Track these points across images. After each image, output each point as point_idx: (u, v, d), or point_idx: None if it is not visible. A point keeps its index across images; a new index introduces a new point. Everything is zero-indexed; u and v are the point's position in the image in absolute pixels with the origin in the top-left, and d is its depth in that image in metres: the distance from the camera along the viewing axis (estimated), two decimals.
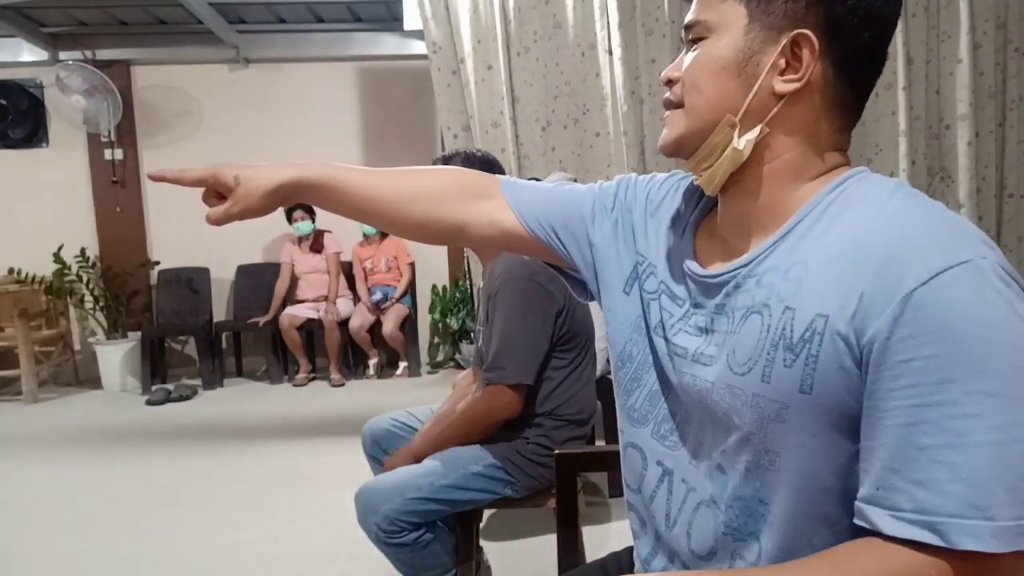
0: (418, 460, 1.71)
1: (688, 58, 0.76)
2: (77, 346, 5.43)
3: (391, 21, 4.96)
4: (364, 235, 5.15)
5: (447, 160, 1.85)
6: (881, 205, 0.68)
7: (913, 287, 0.61)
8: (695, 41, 0.75)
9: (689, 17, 0.76)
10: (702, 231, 0.85)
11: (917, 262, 0.61)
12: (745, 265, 0.75)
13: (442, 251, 5.42)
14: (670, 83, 0.78)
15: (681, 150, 0.77)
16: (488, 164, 1.83)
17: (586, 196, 0.97)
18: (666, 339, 0.84)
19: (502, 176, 1.01)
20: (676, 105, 0.77)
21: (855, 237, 0.67)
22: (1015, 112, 3.52)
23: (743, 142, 0.73)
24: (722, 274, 0.77)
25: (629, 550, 1.03)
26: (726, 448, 0.76)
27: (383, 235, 5.16)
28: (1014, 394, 0.59)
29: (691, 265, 0.82)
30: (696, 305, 0.80)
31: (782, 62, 0.71)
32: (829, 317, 0.65)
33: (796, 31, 0.70)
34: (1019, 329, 0.60)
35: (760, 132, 0.73)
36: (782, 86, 0.71)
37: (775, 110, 0.72)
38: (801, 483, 0.69)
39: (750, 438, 0.72)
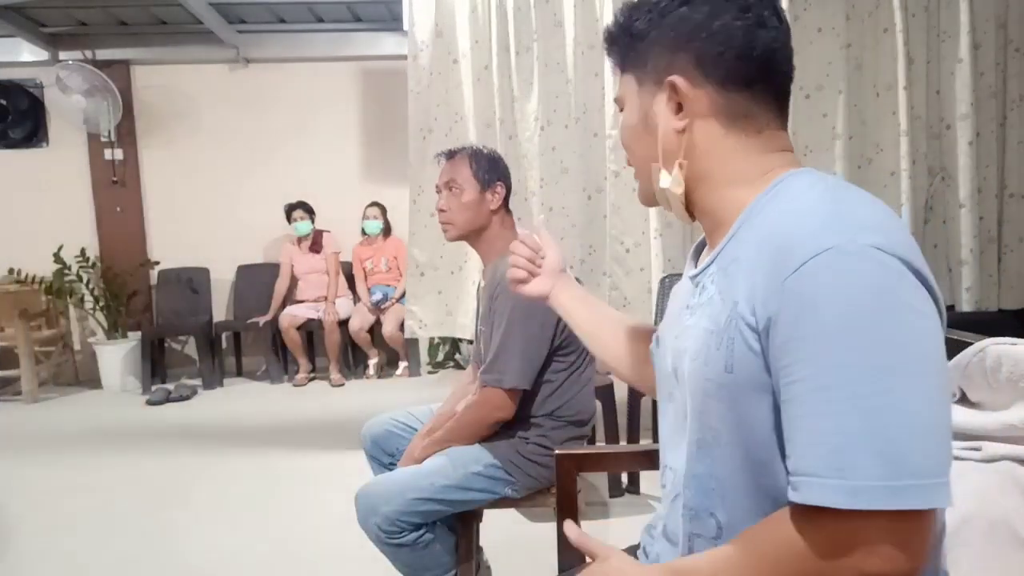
0: (419, 463, 1.71)
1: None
2: (77, 346, 5.43)
3: (391, 21, 4.97)
4: (364, 235, 5.16)
5: (452, 154, 1.82)
6: (797, 198, 0.76)
7: (786, 276, 0.68)
8: (621, 112, 0.91)
9: (615, 95, 0.92)
10: (706, 250, 0.94)
11: (794, 251, 0.69)
12: (707, 267, 0.85)
13: None
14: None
15: (649, 201, 0.92)
16: (495, 162, 1.82)
17: None
18: (671, 342, 0.91)
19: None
20: (631, 166, 0.92)
21: (768, 231, 0.74)
22: (1016, 112, 3.51)
23: (668, 181, 0.84)
24: (696, 273, 0.88)
25: (633, 548, 1.04)
26: (688, 432, 0.83)
27: (383, 235, 5.17)
28: (870, 364, 0.63)
29: (690, 270, 0.93)
30: (688, 307, 0.89)
31: (672, 105, 0.83)
32: (738, 304, 0.74)
33: (666, 79, 0.82)
34: (877, 305, 0.65)
35: (680, 167, 0.83)
36: (677, 123, 0.83)
37: (684, 144, 0.83)
38: (742, 456, 0.76)
39: (699, 417, 0.80)
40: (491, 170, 1.80)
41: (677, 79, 0.81)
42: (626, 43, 0.86)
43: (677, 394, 0.88)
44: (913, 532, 0.64)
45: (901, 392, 0.63)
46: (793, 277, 0.67)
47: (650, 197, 0.90)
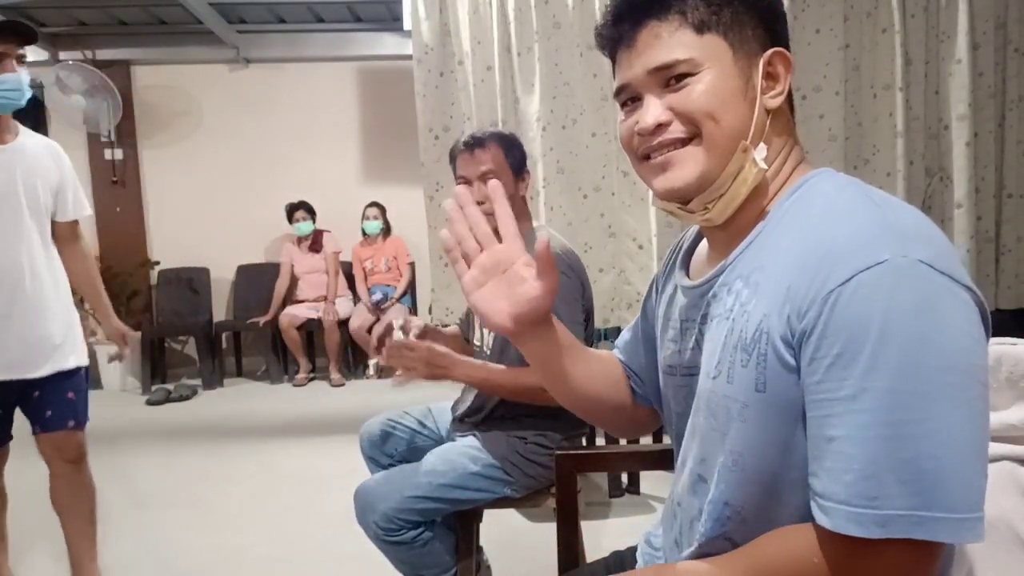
0: (451, 378, 1.63)
1: (679, 96, 0.75)
2: None
3: (391, 21, 4.97)
4: (364, 235, 5.16)
5: (480, 142, 1.69)
6: (828, 206, 0.71)
7: (832, 287, 0.64)
8: (679, 78, 0.75)
9: (663, 59, 0.75)
10: (695, 259, 0.90)
11: (841, 262, 0.64)
12: (719, 274, 0.79)
13: (442, 251, 5.42)
14: (660, 127, 0.76)
15: (702, 187, 0.76)
16: (522, 148, 1.75)
17: (642, 313, 1.04)
18: (672, 367, 0.88)
19: (619, 345, 1.07)
20: (685, 141, 0.76)
21: (801, 239, 0.70)
22: (1014, 112, 3.52)
23: (762, 161, 0.75)
24: (703, 283, 0.81)
25: (632, 549, 1.04)
26: (705, 456, 0.78)
27: (383, 235, 5.17)
28: (909, 390, 0.61)
29: (682, 280, 0.87)
30: (688, 320, 0.84)
31: (763, 81, 0.76)
32: (770, 315, 0.69)
33: (772, 50, 0.76)
34: (924, 329, 0.61)
35: (765, 149, 0.76)
36: (771, 102, 0.76)
37: (767, 125, 0.76)
38: (767, 479, 0.72)
39: (720, 441, 0.75)
40: (521, 158, 1.73)
41: (784, 52, 0.76)
42: (720, 1, 0.75)
43: (684, 422, 0.84)
44: (931, 561, 0.63)
45: (941, 420, 0.61)
46: (841, 289, 0.63)
47: (708, 180, 0.75)
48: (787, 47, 0.78)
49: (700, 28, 0.75)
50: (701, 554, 0.78)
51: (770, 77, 0.76)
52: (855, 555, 0.63)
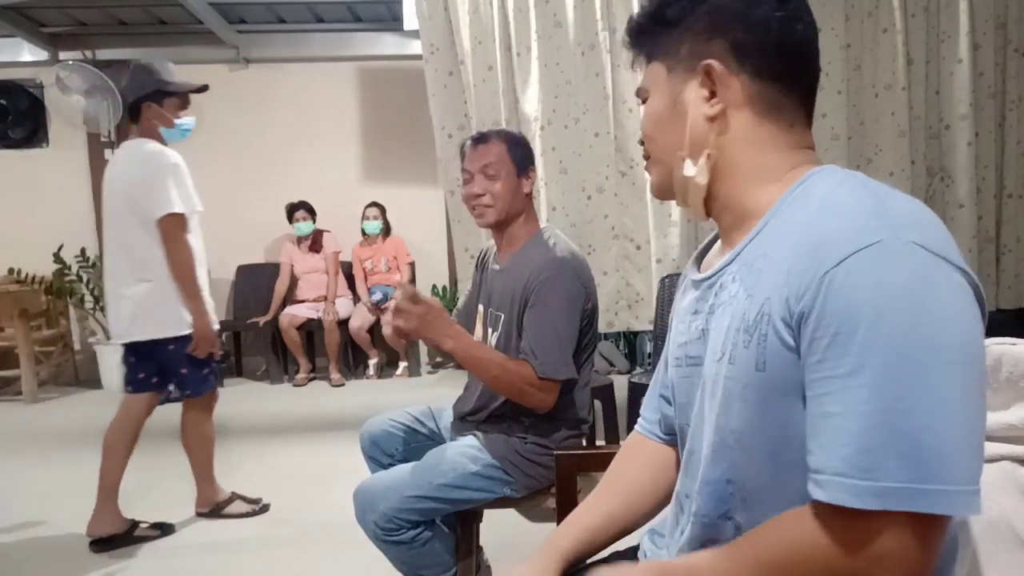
0: (444, 349, 1.58)
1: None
2: (77, 346, 5.43)
3: (391, 21, 4.97)
4: (364, 235, 5.16)
5: (485, 138, 1.74)
6: (827, 196, 0.74)
7: (827, 269, 0.66)
8: (644, 103, 0.89)
9: (638, 89, 0.90)
10: (708, 255, 0.93)
11: (836, 246, 0.67)
12: (727, 265, 0.82)
13: (442, 251, 5.43)
14: (642, 143, 0.91)
15: (664, 194, 0.90)
16: (526, 146, 1.79)
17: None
18: (679, 360, 0.90)
19: (641, 420, 1.08)
20: (647, 158, 0.91)
21: (801, 227, 0.73)
22: (1014, 112, 3.52)
23: (693, 170, 0.82)
24: (712, 275, 0.84)
25: (632, 549, 1.04)
26: (707, 440, 0.80)
27: (383, 235, 5.17)
28: (905, 365, 0.63)
29: (693, 274, 0.91)
30: (697, 311, 0.87)
31: (705, 92, 0.80)
32: (771, 299, 0.72)
33: (702, 63, 0.80)
34: (918, 305, 0.63)
35: (708, 157, 0.81)
36: (710, 110, 0.80)
37: (713, 134, 0.81)
38: (767, 458, 0.74)
39: (718, 420, 0.77)
40: (524, 155, 1.76)
41: (713, 63, 0.79)
42: (656, 31, 0.83)
43: (688, 412, 0.86)
44: (933, 536, 0.64)
45: (936, 395, 0.62)
46: (835, 271, 0.66)
47: (667, 189, 0.88)
48: (757, 52, 0.78)
49: (649, 58, 0.86)
50: (702, 534, 0.80)
51: (714, 86, 0.80)
52: (854, 530, 0.64)
